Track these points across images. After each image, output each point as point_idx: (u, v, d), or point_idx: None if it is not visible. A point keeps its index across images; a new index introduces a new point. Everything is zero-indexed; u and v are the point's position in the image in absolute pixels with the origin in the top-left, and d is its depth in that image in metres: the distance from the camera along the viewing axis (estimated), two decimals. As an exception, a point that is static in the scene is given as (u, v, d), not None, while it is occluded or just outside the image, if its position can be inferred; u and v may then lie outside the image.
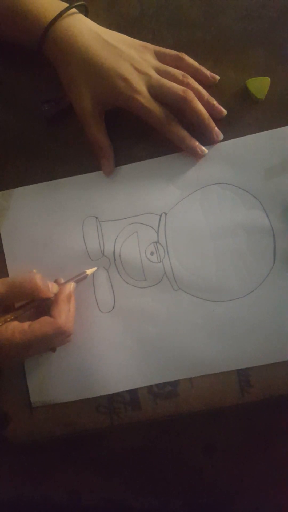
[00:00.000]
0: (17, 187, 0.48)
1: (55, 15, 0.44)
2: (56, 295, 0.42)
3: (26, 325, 0.40)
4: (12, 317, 0.41)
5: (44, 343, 0.41)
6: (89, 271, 0.46)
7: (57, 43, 0.45)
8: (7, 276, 0.47)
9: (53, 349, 0.45)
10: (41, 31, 0.45)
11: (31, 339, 0.39)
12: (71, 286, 0.44)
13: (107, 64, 0.44)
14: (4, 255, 0.47)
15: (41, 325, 0.40)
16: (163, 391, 0.44)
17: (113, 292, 0.46)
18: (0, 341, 0.39)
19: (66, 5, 0.45)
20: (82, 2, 0.47)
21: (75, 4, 0.46)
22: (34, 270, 0.45)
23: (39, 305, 0.43)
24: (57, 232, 0.47)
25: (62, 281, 0.45)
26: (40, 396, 0.45)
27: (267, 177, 0.46)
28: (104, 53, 0.45)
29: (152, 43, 0.47)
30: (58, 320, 0.40)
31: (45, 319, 0.40)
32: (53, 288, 0.43)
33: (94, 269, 0.46)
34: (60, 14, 0.44)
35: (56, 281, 0.45)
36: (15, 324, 0.40)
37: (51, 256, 0.47)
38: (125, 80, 0.44)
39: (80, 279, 0.45)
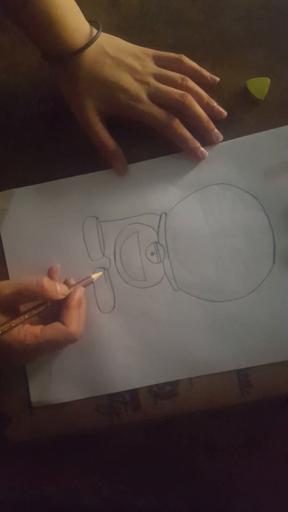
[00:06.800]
0: (17, 187, 0.48)
1: (84, 41, 0.44)
2: (67, 301, 0.42)
3: (38, 329, 0.40)
4: (23, 320, 0.41)
5: (53, 347, 0.42)
6: (94, 276, 0.45)
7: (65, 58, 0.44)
8: (7, 276, 0.47)
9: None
10: (61, 51, 0.44)
11: (42, 343, 0.40)
12: (81, 291, 0.43)
13: (109, 77, 0.45)
14: (4, 255, 0.47)
15: (53, 331, 0.40)
16: (163, 391, 0.44)
17: (113, 292, 0.46)
18: (13, 343, 0.39)
19: (95, 31, 0.45)
20: (98, 23, 0.46)
21: (99, 33, 0.45)
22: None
23: (50, 308, 0.42)
24: (57, 232, 0.47)
25: (73, 281, 0.45)
26: (40, 396, 0.45)
27: (267, 177, 0.46)
28: (106, 67, 0.45)
29: (152, 43, 0.47)
30: (70, 328, 0.41)
31: (56, 325, 0.41)
32: (62, 289, 0.42)
33: (100, 273, 0.46)
34: (88, 45, 0.44)
35: (66, 282, 0.45)
36: (28, 327, 0.40)
37: (51, 257, 0.47)
38: (125, 91, 0.44)
39: (87, 283, 0.45)
